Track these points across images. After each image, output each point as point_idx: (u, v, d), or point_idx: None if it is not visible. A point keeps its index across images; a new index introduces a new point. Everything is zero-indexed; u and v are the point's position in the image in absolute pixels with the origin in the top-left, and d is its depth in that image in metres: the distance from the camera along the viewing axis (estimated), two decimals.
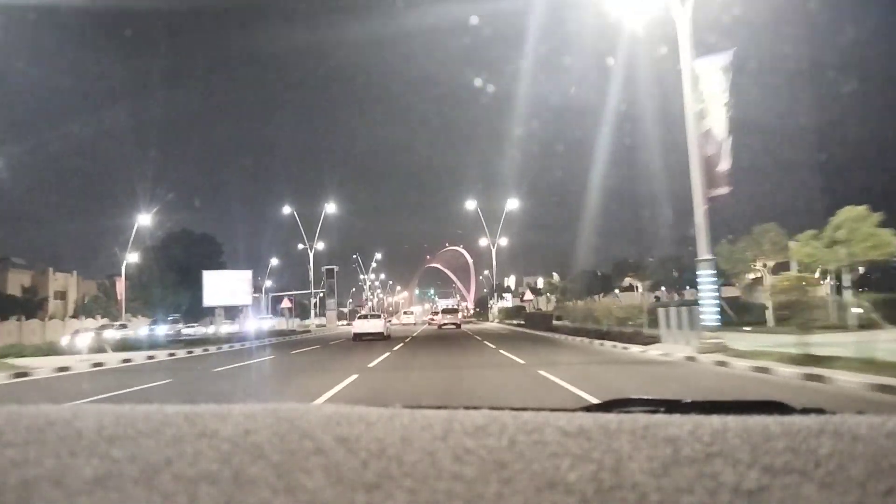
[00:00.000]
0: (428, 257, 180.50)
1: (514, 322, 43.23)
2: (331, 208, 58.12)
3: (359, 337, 26.38)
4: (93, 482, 0.50)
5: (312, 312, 58.62)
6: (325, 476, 0.51)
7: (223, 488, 0.48)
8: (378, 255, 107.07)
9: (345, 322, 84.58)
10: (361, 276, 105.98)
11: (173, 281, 44.99)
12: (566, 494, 0.47)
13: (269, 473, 0.51)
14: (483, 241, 61.15)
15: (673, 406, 1.02)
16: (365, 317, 30.03)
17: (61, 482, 0.50)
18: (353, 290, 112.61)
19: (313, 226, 57.67)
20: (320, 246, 60.03)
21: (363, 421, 0.66)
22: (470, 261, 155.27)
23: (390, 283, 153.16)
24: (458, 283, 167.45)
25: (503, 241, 59.99)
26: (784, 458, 0.54)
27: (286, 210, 57.38)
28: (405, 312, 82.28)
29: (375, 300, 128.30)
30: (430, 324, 51.94)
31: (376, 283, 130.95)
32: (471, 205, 59.17)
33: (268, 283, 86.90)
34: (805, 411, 0.93)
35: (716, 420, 0.67)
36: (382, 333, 26.83)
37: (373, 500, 0.47)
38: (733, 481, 0.49)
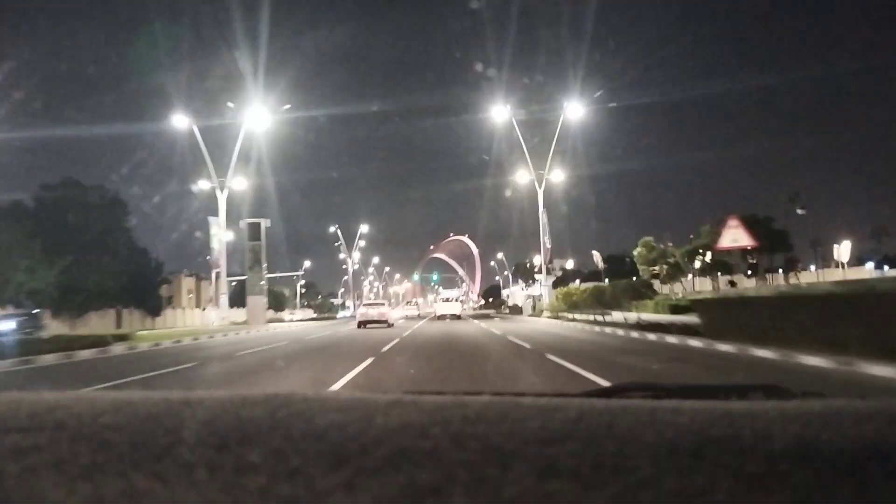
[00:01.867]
0: (431, 247, 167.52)
1: (639, 320, 17.97)
2: (263, 121, 33.54)
3: (363, 324, 27.33)
4: (93, 468, 0.50)
5: (224, 300, 33.68)
6: (326, 462, 0.51)
7: (223, 474, 0.49)
8: (364, 228, 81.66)
9: (297, 318, 60.06)
10: (342, 255, 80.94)
11: (37, 255, 32.65)
12: (567, 480, 0.47)
13: (270, 459, 0.51)
14: (522, 177, 36.05)
15: (674, 391, 1.03)
16: (370, 305, 32.03)
17: (61, 468, 0.50)
18: (345, 278, 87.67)
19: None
20: (240, 185, 35.14)
21: (363, 407, 0.66)
22: (475, 250, 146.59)
23: (387, 269, 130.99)
24: (463, 274, 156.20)
25: (555, 177, 34.89)
26: (785, 442, 0.54)
27: (180, 123, 32.67)
28: (408, 303, 77.05)
29: (369, 289, 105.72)
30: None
31: (370, 270, 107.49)
32: (501, 115, 34.08)
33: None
34: (805, 395, 0.94)
35: (716, 405, 0.67)
36: (387, 322, 27.65)
37: (373, 485, 0.47)
38: (734, 466, 0.49)
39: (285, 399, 0.69)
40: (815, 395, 0.93)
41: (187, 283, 70.08)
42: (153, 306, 49.73)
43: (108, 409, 0.66)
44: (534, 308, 42.25)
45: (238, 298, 76.46)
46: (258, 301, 36.32)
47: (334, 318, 65.47)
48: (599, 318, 22.61)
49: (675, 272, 27.56)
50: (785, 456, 0.51)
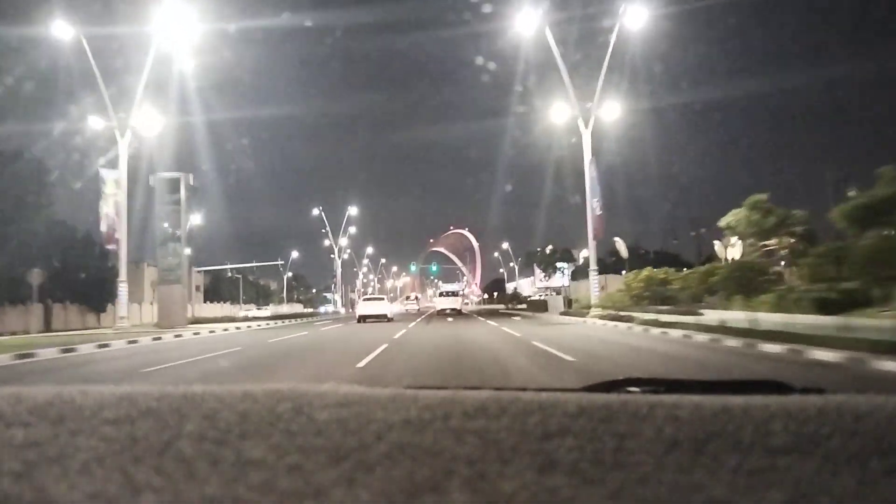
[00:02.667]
0: (430, 240, 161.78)
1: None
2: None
3: (363, 318, 28.12)
4: (94, 462, 0.50)
5: (123, 291, 22.97)
6: (326, 457, 0.51)
7: (224, 469, 0.49)
8: (353, 210, 70.61)
9: (254, 316, 48.42)
10: (327, 242, 70.23)
11: None
12: (567, 474, 0.48)
13: (270, 454, 0.52)
14: (559, 116, 25.45)
15: (673, 386, 1.03)
16: (370, 300, 32.42)
17: (62, 463, 0.51)
18: (338, 270, 77.05)
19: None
20: (152, 127, 24.37)
21: (364, 402, 0.67)
22: (475, 244, 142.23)
23: (383, 261, 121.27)
24: (463, 268, 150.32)
25: (608, 114, 24.33)
26: (785, 438, 0.54)
27: (62, 32, 22.12)
28: (407, 298, 75.85)
29: (364, 283, 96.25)
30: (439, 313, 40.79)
31: (365, 262, 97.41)
32: (528, 23, 23.59)
33: (186, 251, 52.72)
34: (805, 391, 0.94)
35: (716, 400, 0.67)
36: (387, 316, 28.42)
37: (374, 479, 0.47)
38: (734, 461, 0.49)
39: (285, 394, 0.69)
40: (814, 390, 0.92)
41: (150, 273, 60.10)
42: (98, 301, 40.14)
43: (109, 404, 0.66)
44: (568, 304, 32.01)
45: (211, 291, 66.08)
46: (172, 292, 25.06)
47: (316, 314, 54.65)
48: (697, 319, 12.31)
49: (806, 248, 17.50)
50: (784, 451, 0.51)
